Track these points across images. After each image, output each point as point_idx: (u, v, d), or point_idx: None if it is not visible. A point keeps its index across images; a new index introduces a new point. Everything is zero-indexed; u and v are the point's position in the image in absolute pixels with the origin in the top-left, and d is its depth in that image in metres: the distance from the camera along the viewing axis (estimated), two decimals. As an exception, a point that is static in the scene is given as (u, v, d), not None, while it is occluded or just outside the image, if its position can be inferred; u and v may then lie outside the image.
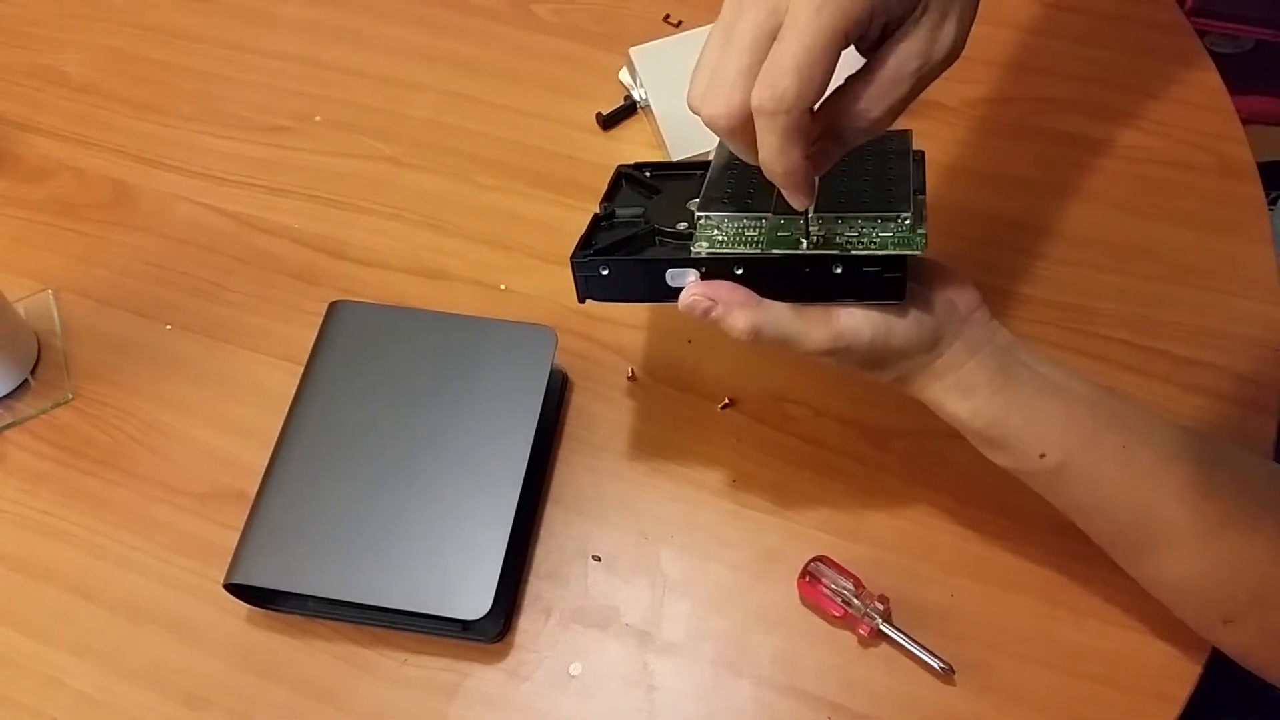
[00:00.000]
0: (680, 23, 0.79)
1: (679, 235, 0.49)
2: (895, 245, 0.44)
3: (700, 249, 0.46)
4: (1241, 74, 0.73)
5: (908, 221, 0.45)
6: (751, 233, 0.46)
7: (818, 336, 0.45)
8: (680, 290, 0.46)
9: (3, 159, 0.77)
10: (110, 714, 0.55)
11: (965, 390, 0.47)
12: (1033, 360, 0.48)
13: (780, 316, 0.45)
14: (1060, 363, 0.49)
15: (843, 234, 0.45)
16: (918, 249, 0.43)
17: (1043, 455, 0.47)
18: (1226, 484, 0.46)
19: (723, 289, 0.45)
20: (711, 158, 0.52)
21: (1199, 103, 0.71)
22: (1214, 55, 0.74)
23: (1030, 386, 0.47)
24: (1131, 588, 0.50)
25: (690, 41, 0.75)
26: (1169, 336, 0.62)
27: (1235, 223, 0.66)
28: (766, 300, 0.45)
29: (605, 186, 0.55)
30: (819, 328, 0.45)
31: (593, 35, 0.79)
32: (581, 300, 0.49)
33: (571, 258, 0.48)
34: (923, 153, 0.51)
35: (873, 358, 0.46)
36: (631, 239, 0.49)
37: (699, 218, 0.47)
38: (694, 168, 0.54)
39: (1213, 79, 0.73)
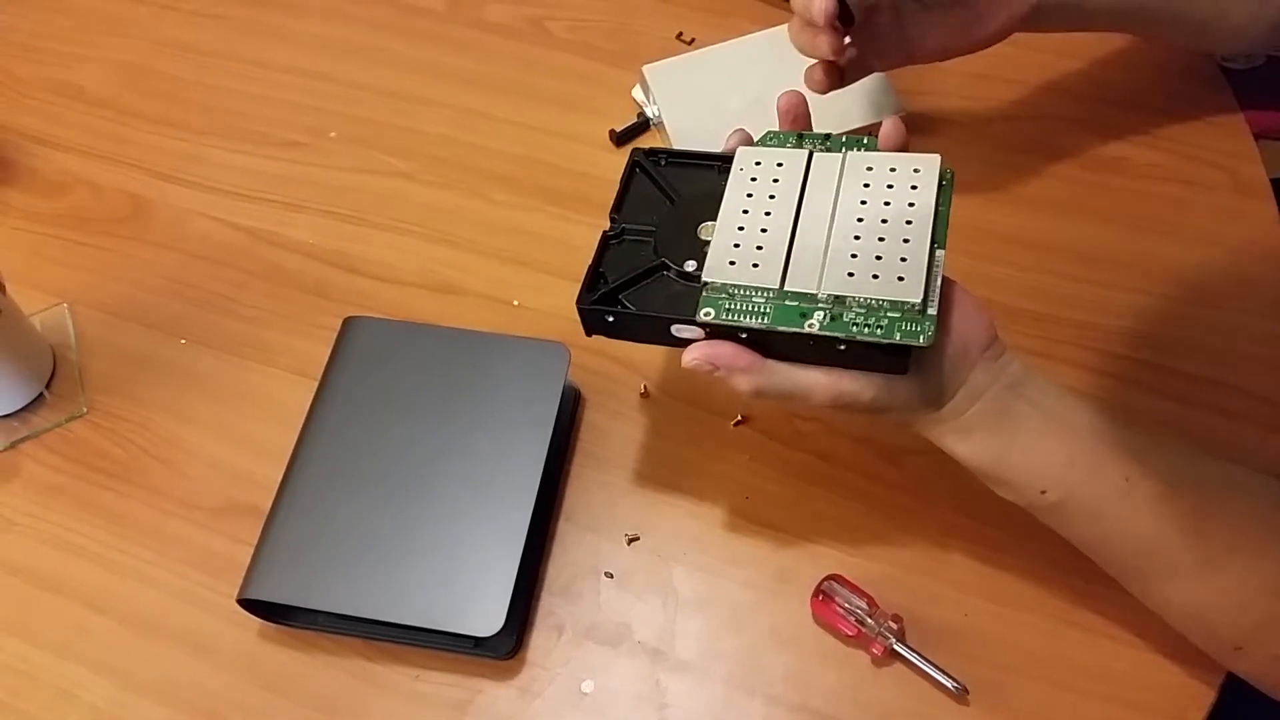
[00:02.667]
0: (693, 40, 0.79)
1: (686, 276, 0.48)
2: (902, 334, 0.44)
3: (707, 315, 0.46)
4: (1253, 90, 0.73)
5: (917, 308, 0.44)
6: (759, 299, 0.46)
7: (819, 396, 0.46)
8: (685, 339, 0.47)
9: (20, 173, 0.78)
10: (122, 728, 0.55)
11: (963, 433, 0.47)
12: (1039, 394, 0.48)
13: (782, 378, 0.46)
14: (1067, 392, 0.49)
15: (850, 310, 0.45)
16: (924, 341, 0.43)
17: (1043, 492, 0.47)
18: (1232, 510, 0.46)
19: (725, 352, 0.46)
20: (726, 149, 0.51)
21: (1213, 121, 0.71)
22: (1225, 71, 0.74)
23: (1031, 425, 0.47)
24: (1146, 608, 0.50)
25: (703, 59, 0.75)
26: (1184, 355, 0.62)
27: (1250, 241, 0.66)
28: (770, 362, 0.46)
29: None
30: (821, 388, 0.46)
31: (606, 52, 0.80)
32: (589, 334, 0.50)
33: (578, 302, 0.49)
34: (952, 175, 0.48)
35: (874, 412, 0.47)
36: (639, 277, 0.49)
37: (705, 282, 0.47)
38: (712, 159, 0.53)
39: (1226, 97, 0.73)
